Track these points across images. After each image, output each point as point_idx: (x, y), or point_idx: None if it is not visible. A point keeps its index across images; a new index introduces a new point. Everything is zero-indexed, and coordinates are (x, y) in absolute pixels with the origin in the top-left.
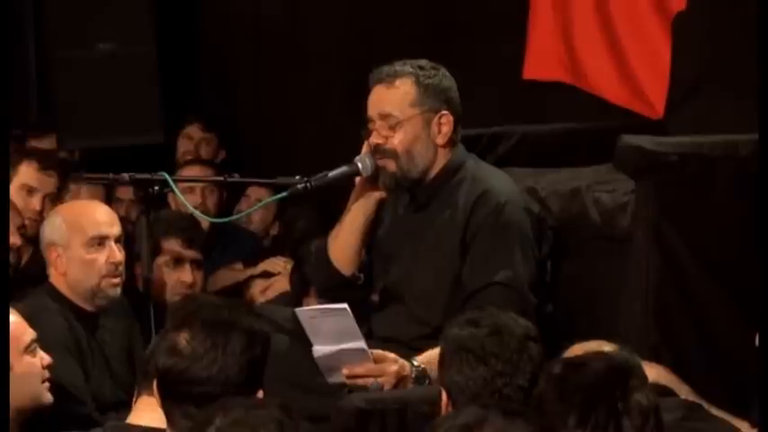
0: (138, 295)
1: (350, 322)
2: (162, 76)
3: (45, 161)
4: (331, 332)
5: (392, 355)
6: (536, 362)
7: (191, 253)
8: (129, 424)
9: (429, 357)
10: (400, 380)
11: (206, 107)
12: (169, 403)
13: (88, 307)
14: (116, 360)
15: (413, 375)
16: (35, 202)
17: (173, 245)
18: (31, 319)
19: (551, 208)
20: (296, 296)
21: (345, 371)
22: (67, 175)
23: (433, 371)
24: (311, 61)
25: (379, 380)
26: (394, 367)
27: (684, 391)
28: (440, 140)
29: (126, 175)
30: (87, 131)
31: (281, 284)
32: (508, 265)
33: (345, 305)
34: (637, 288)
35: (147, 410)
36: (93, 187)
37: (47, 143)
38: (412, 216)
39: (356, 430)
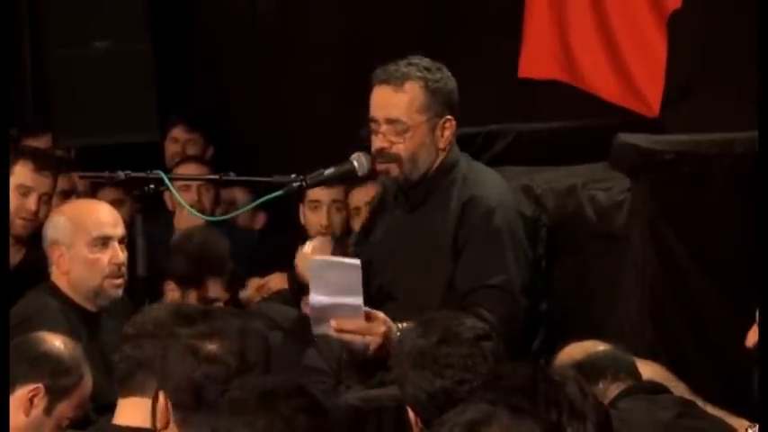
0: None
1: (356, 279)
2: (158, 74)
3: (41, 161)
4: (334, 284)
5: (382, 316)
6: (491, 360)
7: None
8: (113, 424)
9: None
10: (386, 342)
11: (201, 105)
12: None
13: (90, 306)
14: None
15: (395, 339)
16: (30, 203)
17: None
18: (31, 317)
19: (547, 206)
20: (294, 295)
21: (334, 323)
22: (65, 172)
23: None
24: (307, 59)
25: (366, 339)
26: (382, 328)
27: (680, 389)
28: (441, 144)
29: (122, 174)
30: (83, 130)
31: (277, 283)
32: (501, 269)
33: (358, 261)
34: (633, 286)
35: (131, 410)
36: (87, 186)
37: (42, 142)
38: (406, 216)
39: (353, 428)
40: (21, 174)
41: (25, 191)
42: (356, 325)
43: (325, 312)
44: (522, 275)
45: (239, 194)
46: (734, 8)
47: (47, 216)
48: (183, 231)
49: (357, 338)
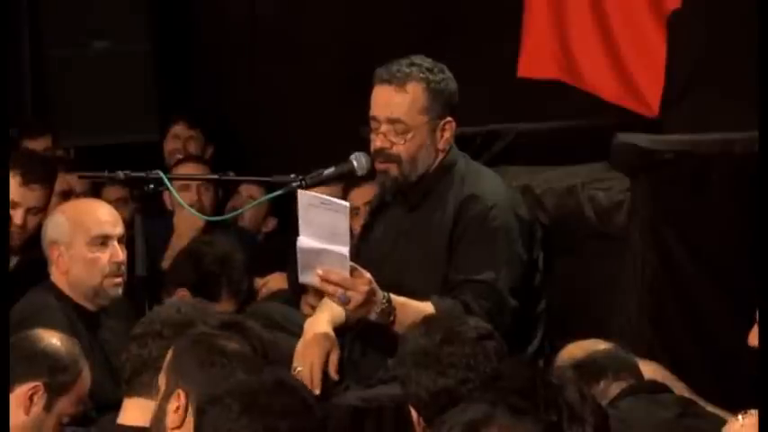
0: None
1: (344, 223)
2: (158, 74)
3: (29, 174)
4: (323, 227)
5: (368, 275)
6: (494, 359)
7: None
8: (118, 424)
9: (404, 302)
10: (367, 301)
11: (201, 105)
12: None
13: (89, 306)
14: (117, 359)
15: (380, 306)
16: (17, 217)
17: None
18: (31, 317)
19: (547, 205)
20: (295, 294)
21: (320, 272)
22: (65, 172)
23: (401, 315)
24: (307, 59)
25: (348, 293)
26: (365, 288)
27: (680, 389)
28: (441, 146)
29: (121, 173)
30: (84, 130)
31: (276, 282)
32: (491, 266)
33: (348, 204)
34: (632, 286)
35: (136, 410)
36: (86, 186)
37: (42, 143)
38: (405, 215)
39: (352, 429)
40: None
41: (12, 205)
42: (341, 278)
43: (313, 259)
44: (512, 276)
45: (255, 191)
46: (733, 8)
47: (37, 226)
48: (199, 238)
49: (339, 291)
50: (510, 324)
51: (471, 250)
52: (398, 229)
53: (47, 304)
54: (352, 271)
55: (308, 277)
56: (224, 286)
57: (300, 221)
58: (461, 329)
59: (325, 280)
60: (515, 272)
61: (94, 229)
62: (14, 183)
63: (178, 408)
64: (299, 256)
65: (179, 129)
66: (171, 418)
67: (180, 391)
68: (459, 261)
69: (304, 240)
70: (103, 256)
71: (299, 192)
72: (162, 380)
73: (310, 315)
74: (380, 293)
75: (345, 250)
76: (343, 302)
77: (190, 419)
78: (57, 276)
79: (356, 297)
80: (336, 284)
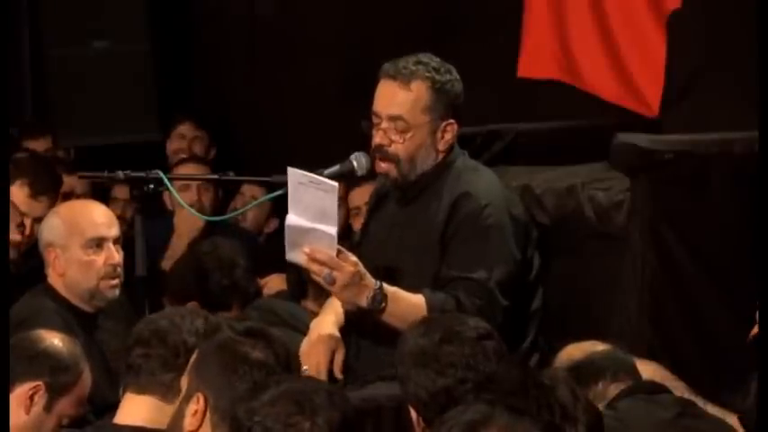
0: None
1: (333, 203)
2: (157, 74)
3: (37, 186)
4: (311, 206)
5: (353, 258)
6: (493, 359)
7: None
8: (114, 423)
9: (396, 291)
10: (352, 283)
11: (201, 105)
12: None
13: (86, 308)
14: (115, 361)
15: (372, 292)
16: (24, 226)
17: None
18: (28, 319)
19: (547, 206)
20: (293, 298)
21: (307, 250)
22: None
23: (392, 304)
24: (306, 59)
25: (333, 273)
26: (351, 268)
27: (680, 389)
28: (441, 146)
29: (121, 173)
30: (84, 130)
31: (276, 283)
32: (483, 265)
33: (336, 184)
34: (632, 286)
35: (133, 409)
36: (86, 186)
37: (42, 144)
38: (401, 209)
39: None
40: (16, 197)
41: (19, 214)
42: (327, 257)
43: (300, 237)
44: (504, 275)
45: (258, 192)
46: (733, 8)
47: None
48: (200, 245)
49: (325, 271)
50: (501, 322)
51: (464, 248)
52: (393, 221)
53: (43, 306)
54: (339, 252)
55: (294, 255)
56: (234, 296)
57: (290, 199)
58: (461, 329)
59: (311, 258)
60: (508, 271)
61: (89, 231)
62: (22, 194)
63: (196, 411)
64: (286, 233)
65: (185, 129)
66: (189, 421)
67: (200, 395)
68: (451, 258)
69: (292, 218)
70: (99, 259)
71: (289, 169)
72: (184, 381)
73: (311, 317)
74: (372, 280)
75: (333, 230)
76: (328, 282)
77: (207, 424)
78: (53, 278)
79: (341, 277)
80: (322, 263)
